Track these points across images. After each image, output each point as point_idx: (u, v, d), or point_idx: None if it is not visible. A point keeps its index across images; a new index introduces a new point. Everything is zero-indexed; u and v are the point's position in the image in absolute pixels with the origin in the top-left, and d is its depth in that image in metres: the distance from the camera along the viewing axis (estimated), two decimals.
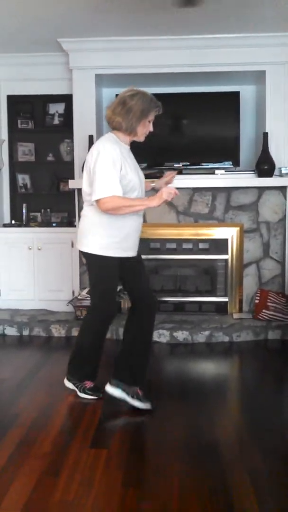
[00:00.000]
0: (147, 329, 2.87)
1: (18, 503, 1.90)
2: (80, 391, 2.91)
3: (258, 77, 4.54)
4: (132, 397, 2.72)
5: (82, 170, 4.38)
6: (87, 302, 4.29)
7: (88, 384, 2.92)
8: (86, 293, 4.35)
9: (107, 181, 2.56)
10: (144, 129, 2.72)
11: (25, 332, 4.29)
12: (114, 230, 2.69)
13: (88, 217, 2.74)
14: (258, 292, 4.33)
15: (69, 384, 2.96)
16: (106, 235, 2.68)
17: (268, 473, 2.12)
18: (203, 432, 2.51)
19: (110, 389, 2.75)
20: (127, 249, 2.76)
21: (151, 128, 2.76)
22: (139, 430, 2.57)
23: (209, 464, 2.20)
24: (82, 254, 2.80)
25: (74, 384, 2.94)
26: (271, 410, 2.77)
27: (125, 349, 2.85)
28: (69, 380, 2.96)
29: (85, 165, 2.74)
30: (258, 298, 4.28)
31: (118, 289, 2.89)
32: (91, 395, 2.89)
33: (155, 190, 2.92)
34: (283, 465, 2.20)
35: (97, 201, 2.59)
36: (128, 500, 1.92)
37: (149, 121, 2.72)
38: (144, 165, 4.56)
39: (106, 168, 2.57)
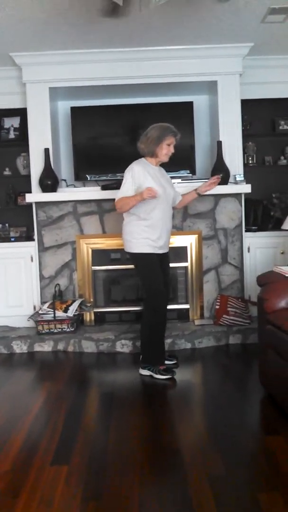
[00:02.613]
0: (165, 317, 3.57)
1: None
2: (155, 373, 3.45)
3: (211, 87, 4.63)
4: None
5: (39, 184, 4.46)
6: (48, 316, 4.27)
7: (161, 367, 3.46)
8: (48, 307, 4.32)
9: (120, 191, 3.39)
10: (164, 150, 3.43)
11: None
12: (146, 234, 3.40)
13: (127, 225, 3.48)
14: (218, 297, 4.39)
15: (144, 372, 3.52)
16: (141, 237, 3.41)
17: (228, 478, 2.14)
18: (165, 440, 2.53)
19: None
20: (158, 248, 3.46)
21: (172, 150, 3.46)
22: (100, 442, 2.55)
23: (170, 471, 2.22)
24: (129, 254, 3.50)
25: (148, 369, 3.49)
26: (232, 415, 2.81)
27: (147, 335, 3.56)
28: (143, 368, 3.53)
29: None
30: (218, 303, 4.34)
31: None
32: (165, 375, 3.43)
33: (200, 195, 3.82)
34: (243, 470, 2.23)
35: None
36: None
37: (168, 144, 3.42)
38: (104, 176, 4.59)
39: (124, 181, 3.39)
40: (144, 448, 2.46)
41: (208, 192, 4.39)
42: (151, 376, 3.46)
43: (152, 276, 3.45)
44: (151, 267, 3.44)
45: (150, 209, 3.39)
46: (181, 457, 2.33)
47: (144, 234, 3.41)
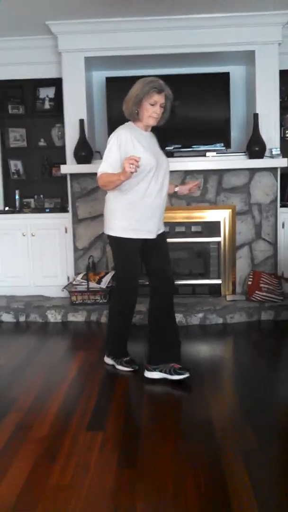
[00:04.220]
0: (169, 309, 3.02)
1: (16, 486, 1.96)
2: (117, 364, 3.14)
3: (248, 57, 4.51)
4: (171, 373, 2.91)
5: (74, 155, 4.47)
6: (82, 287, 4.34)
7: (124, 358, 3.14)
8: (81, 278, 4.39)
9: (104, 162, 2.81)
10: (147, 111, 2.82)
11: (22, 318, 4.34)
12: (128, 213, 2.86)
13: (107, 202, 2.96)
14: (251, 273, 4.37)
15: (108, 360, 3.21)
16: (123, 217, 2.87)
17: (261, 452, 2.17)
18: (197, 413, 2.57)
19: (149, 374, 2.98)
20: (144, 231, 2.89)
21: (157, 110, 2.82)
22: (134, 411, 2.63)
23: (203, 443, 2.26)
24: (107, 236, 3.00)
25: (112, 359, 3.18)
26: (264, 390, 2.83)
27: (153, 331, 3.03)
28: (108, 356, 3.22)
29: None
30: (251, 279, 4.32)
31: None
32: (128, 367, 3.11)
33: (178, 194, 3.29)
34: (276, 443, 2.26)
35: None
36: (123, 481, 1.98)
37: (151, 104, 2.80)
38: None
39: (108, 151, 2.81)
40: (177, 420, 2.51)
41: (242, 166, 4.37)
42: (113, 366, 3.18)
43: (127, 268, 2.96)
44: (128, 257, 2.94)
45: (137, 181, 2.81)
46: (213, 430, 2.37)
47: (128, 214, 2.85)
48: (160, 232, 2.99)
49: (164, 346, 2.98)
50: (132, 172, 2.58)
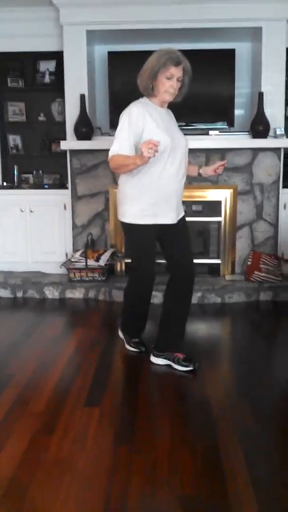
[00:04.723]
0: (183, 298, 2.88)
1: (13, 460, 1.95)
2: (126, 343, 3.11)
3: (255, 34, 4.41)
4: (175, 362, 2.82)
5: (74, 131, 4.40)
6: (80, 264, 4.31)
7: (134, 339, 3.09)
8: (80, 255, 4.36)
9: (115, 142, 2.60)
10: (163, 86, 2.59)
11: (19, 294, 4.32)
12: (142, 197, 2.67)
13: (120, 186, 2.78)
14: (251, 254, 4.35)
15: (120, 334, 3.19)
16: (135, 203, 2.68)
17: (257, 432, 2.18)
18: (194, 391, 2.57)
19: (155, 359, 2.90)
20: (160, 216, 2.70)
21: (173, 84, 2.59)
22: (131, 388, 2.62)
23: (200, 421, 2.26)
24: (121, 223, 2.83)
25: (123, 334, 3.15)
26: (262, 370, 2.83)
27: (164, 318, 2.91)
28: (121, 330, 3.19)
29: None
30: (250, 260, 4.30)
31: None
32: (135, 348, 3.06)
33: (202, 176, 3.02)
34: (272, 423, 2.26)
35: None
36: (119, 456, 1.98)
37: (168, 78, 2.57)
38: None
39: (119, 130, 2.61)
40: (175, 398, 2.51)
41: (246, 146, 4.31)
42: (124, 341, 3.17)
43: (141, 257, 2.82)
44: (143, 245, 2.78)
45: (150, 163, 2.55)
46: (211, 409, 2.36)
47: (141, 198, 2.66)
48: (180, 216, 2.80)
49: (173, 335, 2.87)
50: (149, 157, 2.39)
